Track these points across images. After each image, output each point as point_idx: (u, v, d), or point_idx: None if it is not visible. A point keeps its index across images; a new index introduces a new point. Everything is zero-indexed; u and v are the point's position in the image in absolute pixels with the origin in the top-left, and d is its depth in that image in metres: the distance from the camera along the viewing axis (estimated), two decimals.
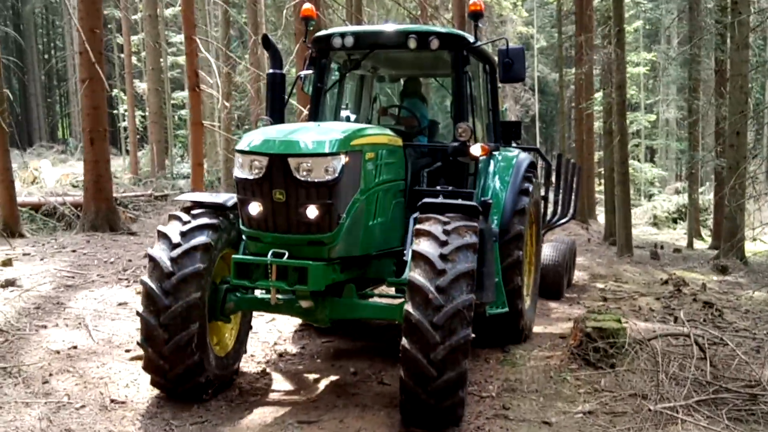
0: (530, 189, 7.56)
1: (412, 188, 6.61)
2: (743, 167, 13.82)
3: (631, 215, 30.81)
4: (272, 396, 5.77)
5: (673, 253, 20.02)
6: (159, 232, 5.55)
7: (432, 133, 7.85)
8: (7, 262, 9.89)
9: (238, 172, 5.22)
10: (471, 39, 6.83)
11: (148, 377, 5.57)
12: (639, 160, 39.03)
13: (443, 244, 5.03)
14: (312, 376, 6.34)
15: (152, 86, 24.50)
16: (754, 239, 25.08)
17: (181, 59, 34.80)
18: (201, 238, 5.35)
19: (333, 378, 6.32)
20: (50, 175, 22.47)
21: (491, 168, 7.57)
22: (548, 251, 11.48)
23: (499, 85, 12.04)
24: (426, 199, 5.71)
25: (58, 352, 6.41)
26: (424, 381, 4.79)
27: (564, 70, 27.22)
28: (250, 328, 6.49)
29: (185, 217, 5.58)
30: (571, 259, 12.67)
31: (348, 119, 7.67)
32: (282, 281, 5.11)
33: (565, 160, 14.63)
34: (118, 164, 33.28)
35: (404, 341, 4.82)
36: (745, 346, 8.84)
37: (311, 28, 7.13)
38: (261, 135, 5.27)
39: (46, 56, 55.08)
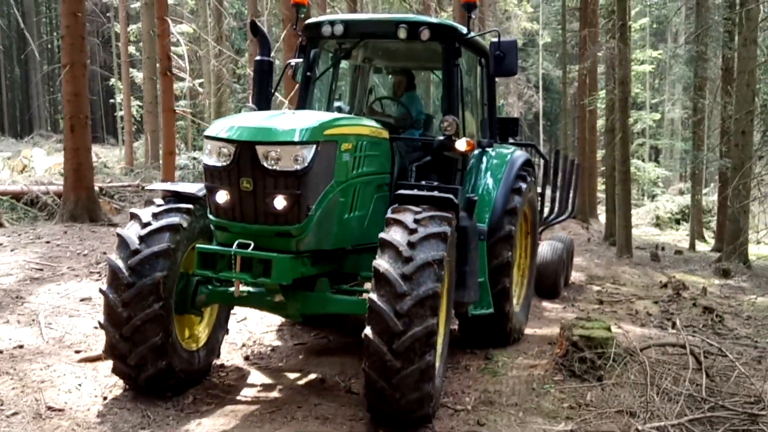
0: (523, 188, 7.29)
1: (398, 182, 6.33)
2: (748, 167, 13.30)
3: (632, 215, 30.42)
4: (227, 407, 5.28)
5: (675, 255, 19.52)
6: (131, 213, 5.45)
7: (427, 126, 7.56)
8: None
9: (206, 159, 5.08)
10: (463, 30, 6.60)
11: (92, 381, 5.15)
12: (643, 160, 38.50)
13: (412, 232, 4.87)
14: (275, 383, 5.88)
15: (148, 75, 23.97)
16: (758, 242, 24.67)
17: (181, 50, 34.55)
18: (172, 219, 5.24)
19: (298, 385, 5.86)
20: (41, 164, 22.04)
21: (483, 164, 7.33)
22: (545, 250, 11.22)
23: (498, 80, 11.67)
24: (401, 191, 5.56)
25: (1, 352, 5.95)
26: (388, 373, 4.58)
27: (568, 67, 26.69)
28: (226, 326, 6.24)
29: (145, 217, 5.36)
30: (568, 258, 12.35)
31: (340, 110, 7.33)
32: (246, 273, 4.93)
33: (563, 156, 14.24)
34: (114, 154, 32.86)
35: (367, 330, 4.63)
36: (745, 356, 8.38)
37: (302, 15, 6.91)
38: (230, 122, 5.13)
39: (49, 45, 54.64)
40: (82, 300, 7.71)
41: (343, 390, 5.69)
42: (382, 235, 4.91)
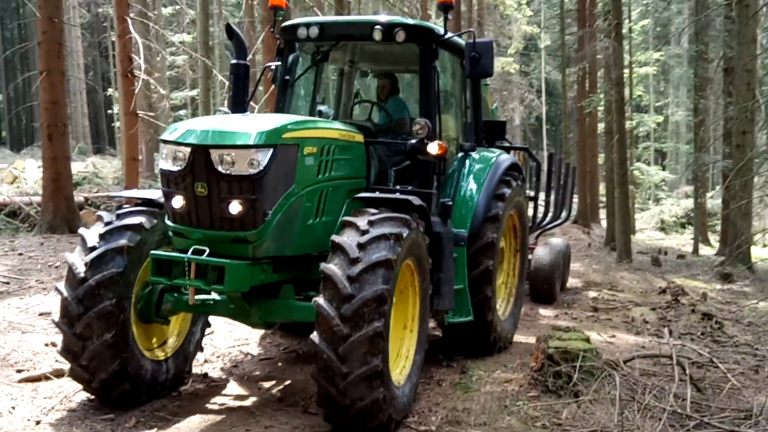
0: (507, 194, 7.09)
1: (372, 187, 6.20)
2: (748, 168, 12.85)
3: (637, 220, 30.04)
4: (173, 422, 4.91)
5: (677, 259, 19.01)
6: (97, 215, 5.41)
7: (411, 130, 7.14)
8: None
9: (162, 164, 5.00)
10: (440, 32, 6.45)
11: (29, 403, 4.85)
12: (648, 163, 37.99)
13: (363, 233, 4.77)
14: (230, 403, 5.49)
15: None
16: (765, 245, 24.12)
17: (180, 59, 34.31)
18: (120, 241, 5.10)
19: (251, 402, 5.47)
20: (33, 175, 21.80)
21: (465, 168, 7.13)
22: (540, 254, 11.06)
23: (488, 82, 11.35)
24: (359, 194, 5.51)
25: None
26: (334, 378, 4.48)
27: (567, 70, 26.30)
28: (201, 336, 6.11)
29: (108, 217, 5.33)
30: (564, 262, 12.07)
31: (321, 114, 7.19)
32: (200, 280, 4.81)
33: (557, 159, 13.92)
34: (113, 165, 32.63)
35: (313, 334, 4.55)
36: (743, 365, 7.94)
37: (280, 18, 6.84)
38: (186, 125, 5.04)
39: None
40: (41, 314, 7.37)
41: (300, 409, 5.29)
42: (333, 237, 4.80)
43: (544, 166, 14.15)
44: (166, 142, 4.98)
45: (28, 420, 4.83)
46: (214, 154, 4.75)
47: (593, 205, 25.58)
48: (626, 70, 29.04)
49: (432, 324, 7.62)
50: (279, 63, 6.88)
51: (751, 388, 6.59)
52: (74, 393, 5.43)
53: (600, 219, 27.28)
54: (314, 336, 4.53)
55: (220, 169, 4.75)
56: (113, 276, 4.97)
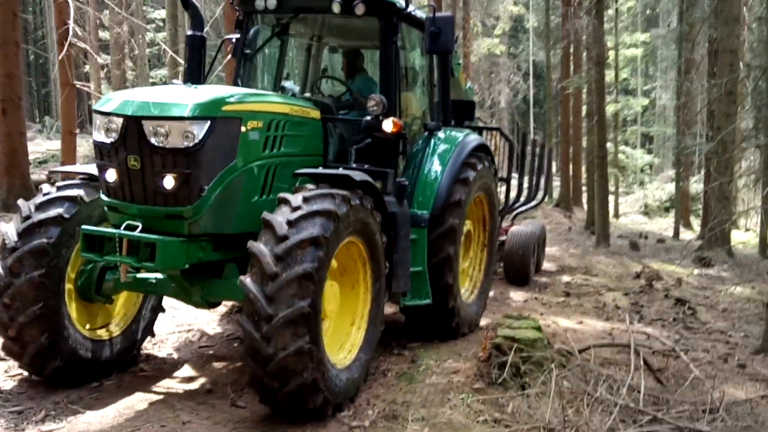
0: (471, 177, 6.88)
1: (327, 165, 6.08)
2: (726, 148, 12.53)
3: (621, 203, 29.81)
4: (80, 420, 4.52)
5: (656, 243, 18.74)
6: (39, 187, 5.37)
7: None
8: None
9: (95, 135, 4.83)
10: (401, 5, 6.23)
11: None
12: (634, 147, 37.68)
13: (295, 210, 4.58)
14: (154, 391, 5.14)
15: (116, 61, 23.17)
16: (748, 229, 23.90)
17: (161, 35, 33.49)
18: (54, 211, 5.01)
19: (179, 391, 5.12)
20: None
21: (430, 148, 6.94)
22: (515, 236, 10.92)
23: (461, 60, 10.96)
24: (300, 170, 5.29)
25: None
26: (261, 360, 4.33)
27: (552, 51, 25.87)
28: (160, 311, 6.05)
29: (47, 189, 5.27)
30: (539, 244, 11.92)
31: (284, 90, 6.92)
32: (132, 257, 4.63)
33: (531, 140, 13.62)
34: (90, 143, 31.95)
35: (241, 315, 4.41)
36: (712, 353, 7.65)
37: None
38: (122, 95, 4.88)
39: (36, 32, 53.42)
40: None
41: (228, 402, 4.92)
42: (264, 214, 4.60)
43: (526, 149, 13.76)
44: (98, 112, 4.78)
45: None
46: (148, 126, 4.56)
47: (576, 189, 25.25)
48: (612, 52, 28.72)
49: (393, 309, 7.44)
50: (238, 36, 6.67)
51: (718, 378, 6.28)
52: None
53: (583, 203, 26.99)
54: (240, 317, 4.40)
55: (153, 141, 4.57)
56: (43, 246, 4.87)
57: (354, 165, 6.03)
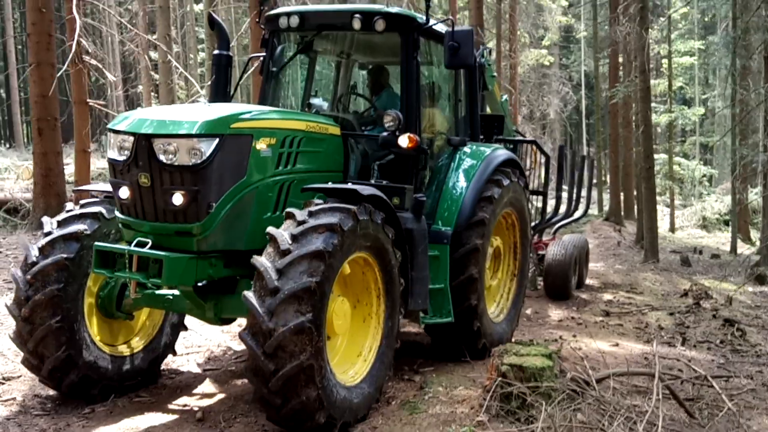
0: (496, 195, 6.74)
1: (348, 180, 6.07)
2: None
3: (678, 216, 28.61)
4: None
5: (711, 259, 17.85)
6: (41, 222, 5.45)
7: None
8: None
9: (110, 153, 4.95)
10: (421, 20, 6.22)
11: None
12: (691, 157, 36.35)
13: (299, 224, 4.57)
14: (139, 424, 4.93)
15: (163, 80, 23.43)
16: None
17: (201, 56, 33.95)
18: (75, 227, 5.15)
19: (166, 421, 4.88)
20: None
21: (454, 163, 6.86)
22: (555, 250, 10.69)
23: (495, 73, 10.70)
24: (308, 186, 5.29)
25: None
26: (263, 376, 4.31)
27: (602, 60, 25.17)
28: (182, 329, 6.14)
29: (70, 206, 5.45)
30: (581, 258, 11.57)
31: (310, 107, 6.86)
32: (142, 273, 4.69)
33: (571, 152, 13.22)
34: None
35: (244, 330, 4.41)
36: (757, 380, 7.06)
37: (264, 8, 6.79)
38: (135, 114, 4.99)
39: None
40: None
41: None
42: (269, 228, 4.62)
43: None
44: (112, 131, 4.90)
45: None
46: (157, 144, 4.64)
47: (627, 202, 24.39)
48: (665, 60, 27.80)
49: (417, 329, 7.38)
50: (264, 54, 6.78)
51: (757, 409, 5.76)
52: None
53: (636, 217, 26.07)
54: (242, 332, 4.39)
55: (162, 158, 4.64)
56: (62, 261, 4.99)
57: (373, 181, 5.99)
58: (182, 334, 6.27)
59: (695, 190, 35.36)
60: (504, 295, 7.75)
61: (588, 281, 12.53)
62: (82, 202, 5.46)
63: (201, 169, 4.66)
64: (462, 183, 6.71)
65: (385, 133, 5.98)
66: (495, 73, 10.82)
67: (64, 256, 5.02)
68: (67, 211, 5.36)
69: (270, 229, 4.59)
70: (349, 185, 5.13)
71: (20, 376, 5.61)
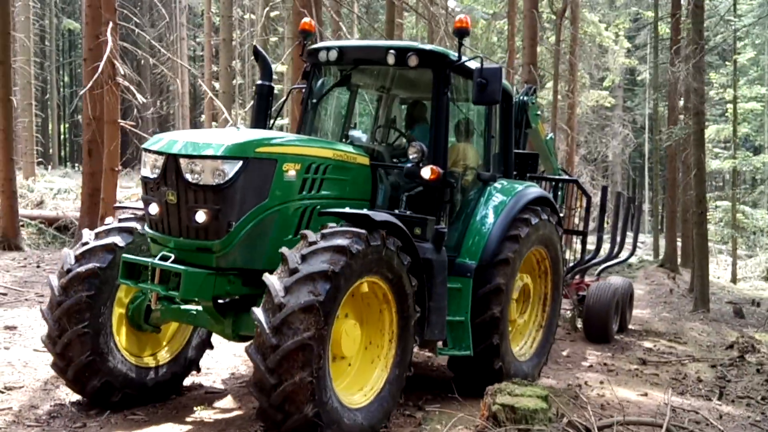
0: (522, 234, 6.77)
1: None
2: None
3: (740, 267, 27.42)
4: None
5: (767, 312, 16.98)
6: (80, 233, 5.78)
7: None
8: None
9: (143, 171, 5.22)
10: (453, 57, 6.42)
11: None
12: (759, 206, 34.95)
13: (311, 244, 4.74)
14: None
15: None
16: None
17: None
18: (110, 239, 5.44)
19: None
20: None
21: (483, 198, 6.98)
22: (596, 291, 10.56)
23: (539, 111, 10.60)
24: (325, 210, 5.43)
25: None
26: (265, 390, 4.45)
27: (661, 103, 24.60)
28: (208, 347, 6.36)
29: (109, 221, 5.78)
30: (624, 301, 11.32)
31: (347, 137, 7.20)
32: (163, 285, 4.94)
33: (615, 194, 12.93)
34: None
35: (250, 345, 4.56)
36: None
37: (307, 42, 7.07)
38: (168, 135, 5.25)
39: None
40: (6, 328, 7.11)
41: None
42: (282, 249, 4.78)
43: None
44: (146, 150, 5.17)
45: None
46: (184, 163, 4.89)
47: (685, 248, 23.53)
48: (729, 105, 27.00)
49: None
50: (304, 86, 7.07)
51: None
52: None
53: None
54: (250, 347, 4.52)
55: (188, 177, 4.88)
56: (94, 269, 5.27)
57: (397, 211, 6.07)
58: (209, 351, 6.51)
59: (761, 241, 33.96)
60: (532, 333, 7.70)
61: (631, 326, 12.11)
62: (120, 217, 5.78)
63: (223, 189, 4.88)
64: (490, 218, 6.76)
65: (409, 164, 6.10)
66: (539, 111, 10.72)
67: (97, 265, 5.29)
68: (105, 225, 5.66)
69: (283, 249, 4.74)
70: (364, 211, 5.21)
71: (22, 386, 5.70)
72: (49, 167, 28.26)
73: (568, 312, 11.73)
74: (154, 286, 4.94)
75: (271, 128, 6.81)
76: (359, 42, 7.80)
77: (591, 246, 11.67)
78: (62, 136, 46.61)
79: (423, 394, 6.28)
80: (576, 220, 11.45)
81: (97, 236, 5.53)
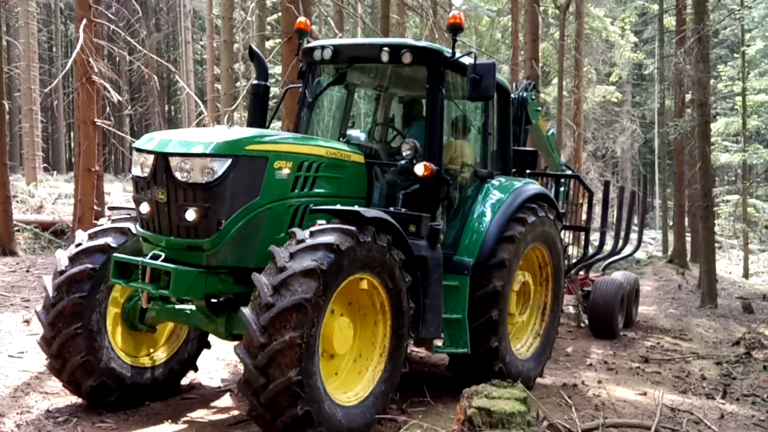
0: (518, 235, 6.72)
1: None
2: None
3: (754, 262, 26.94)
4: None
5: None
6: (74, 235, 5.77)
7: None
8: None
9: (133, 170, 5.24)
10: (447, 54, 6.40)
11: None
12: None
13: (300, 242, 4.72)
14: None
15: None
16: None
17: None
18: (102, 240, 5.46)
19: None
20: (117, 198, 22.50)
21: (481, 196, 6.96)
22: (601, 286, 10.43)
23: (540, 108, 10.43)
24: (315, 207, 5.44)
25: None
26: (255, 390, 4.45)
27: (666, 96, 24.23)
28: (205, 346, 6.38)
29: (102, 221, 5.80)
30: (630, 296, 11.22)
31: (344, 136, 7.24)
32: (153, 284, 4.95)
33: (619, 188, 12.72)
34: None
35: (239, 345, 4.57)
36: None
37: (303, 42, 7.08)
38: (159, 135, 5.28)
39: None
40: None
41: None
42: (271, 247, 4.77)
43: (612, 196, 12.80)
44: (136, 150, 5.19)
45: None
46: (173, 162, 4.90)
47: (695, 244, 23.14)
48: (738, 98, 26.59)
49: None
50: (300, 85, 7.08)
51: None
52: None
53: None
54: (239, 346, 4.53)
55: (178, 176, 4.89)
56: (86, 271, 5.29)
57: (392, 209, 6.04)
58: (209, 350, 6.50)
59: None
60: (533, 330, 7.65)
61: (637, 323, 11.86)
62: (113, 217, 5.79)
63: (213, 188, 4.87)
64: (487, 216, 6.73)
65: (402, 162, 6.05)
66: (540, 107, 10.54)
67: (90, 266, 5.31)
68: (98, 226, 5.67)
69: (272, 248, 4.73)
70: (355, 207, 5.19)
71: None
72: (54, 172, 28.23)
73: (571, 308, 11.53)
74: (145, 285, 4.97)
75: (267, 128, 6.76)
76: (353, 40, 7.79)
77: (594, 242, 11.49)
78: (70, 141, 46.73)
79: (408, 397, 6.08)
80: (584, 216, 11.29)
81: (90, 237, 5.54)
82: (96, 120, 8.96)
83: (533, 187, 7.47)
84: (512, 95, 8.86)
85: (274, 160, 5.25)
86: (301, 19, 7.18)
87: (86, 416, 5.39)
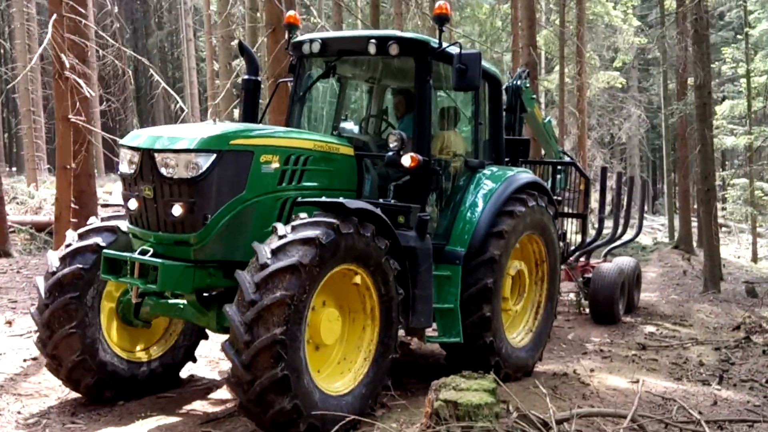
0: (508, 228, 6.69)
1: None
2: None
3: (763, 246, 26.58)
4: None
5: None
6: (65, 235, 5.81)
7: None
8: None
9: (121, 167, 5.30)
10: (434, 44, 6.40)
11: None
12: None
13: (281, 238, 4.74)
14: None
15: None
16: None
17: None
18: (92, 239, 5.50)
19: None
20: (118, 198, 22.48)
21: (472, 186, 6.95)
22: (602, 272, 10.44)
23: (534, 95, 10.27)
24: (299, 200, 5.52)
25: None
26: (243, 387, 4.51)
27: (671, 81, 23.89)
28: (202, 337, 6.44)
29: (92, 220, 5.84)
30: (631, 282, 11.23)
31: (335, 129, 7.24)
32: (142, 279, 5.01)
33: (616, 174, 12.60)
34: None
35: (225, 342, 4.61)
36: None
37: (292, 36, 7.05)
38: (145, 132, 5.32)
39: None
40: None
41: None
42: (253, 243, 4.80)
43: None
44: (123, 146, 5.26)
45: None
46: (159, 158, 4.96)
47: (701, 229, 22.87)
48: (743, 80, 26.17)
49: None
50: (291, 79, 7.09)
51: None
52: None
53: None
54: (225, 343, 4.57)
55: (164, 172, 4.95)
56: (78, 271, 5.37)
57: (381, 200, 6.12)
58: (210, 342, 6.54)
59: None
60: (530, 319, 7.64)
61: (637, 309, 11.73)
62: (103, 216, 5.85)
63: (198, 182, 4.91)
64: (479, 206, 6.73)
65: (390, 153, 6.05)
66: (534, 95, 10.39)
67: (80, 266, 5.38)
68: (89, 224, 5.73)
69: (254, 244, 4.75)
70: (339, 199, 5.20)
71: None
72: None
73: (572, 295, 11.44)
74: (134, 280, 5.01)
75: (260, 122, 6.78)
76: (341, 33, 7.70)
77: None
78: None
79: (396, 389, 5.98)
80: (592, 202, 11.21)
81: (81, 237, 5.58)
82: (70, 116, 8.89)
83: (525, 176, 7.44)
84: (505, 84, 8.78)
85: (260, 154, 5.27)
86: (291, 13, 7.23)
87: (57, 418, 5.40)
